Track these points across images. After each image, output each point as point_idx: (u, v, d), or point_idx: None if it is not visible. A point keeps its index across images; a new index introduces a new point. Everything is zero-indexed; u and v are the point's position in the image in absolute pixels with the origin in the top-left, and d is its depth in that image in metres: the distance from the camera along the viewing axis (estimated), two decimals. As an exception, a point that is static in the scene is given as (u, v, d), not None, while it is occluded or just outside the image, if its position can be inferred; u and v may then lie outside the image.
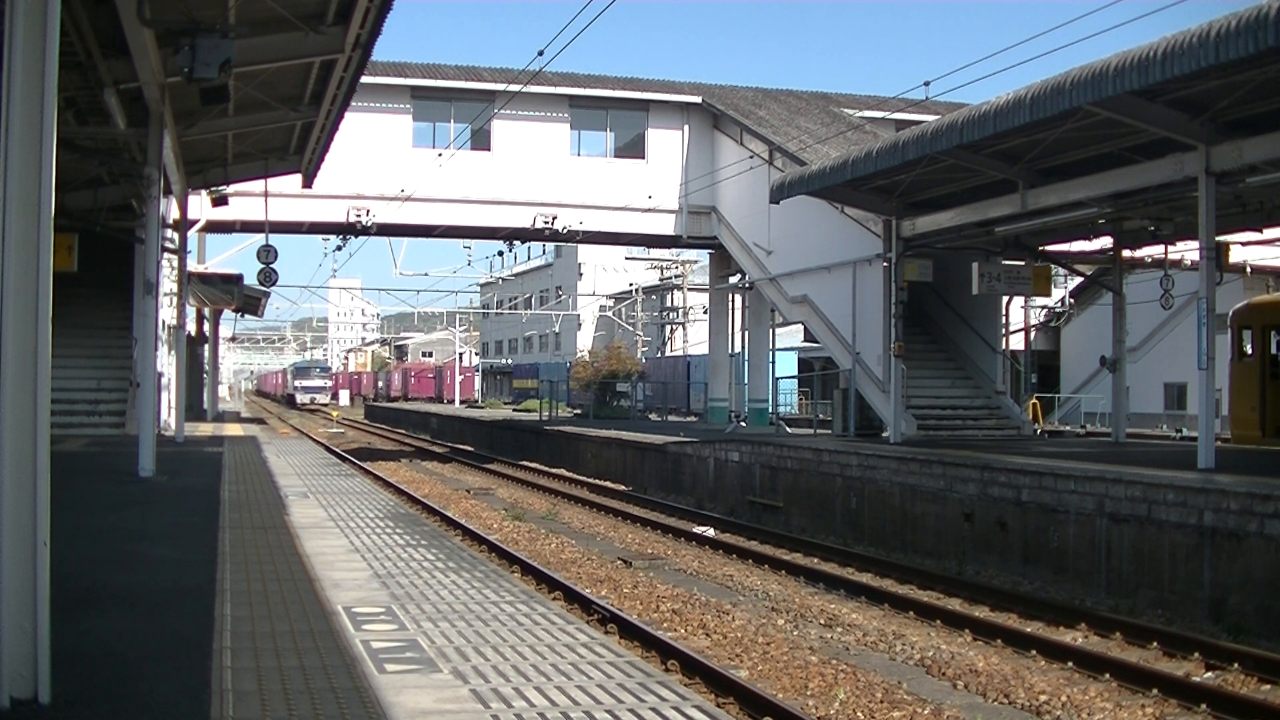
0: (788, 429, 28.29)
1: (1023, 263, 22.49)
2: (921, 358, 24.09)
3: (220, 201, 26.28)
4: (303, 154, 23.29)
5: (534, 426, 36.46)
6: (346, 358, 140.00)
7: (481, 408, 61.27)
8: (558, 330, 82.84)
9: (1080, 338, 42.27)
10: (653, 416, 42.44)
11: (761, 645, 10.70)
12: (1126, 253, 23.05)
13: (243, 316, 56.28)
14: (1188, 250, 22.69)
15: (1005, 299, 24.79)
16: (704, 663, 9.50)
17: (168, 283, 25.23)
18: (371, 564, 8.72)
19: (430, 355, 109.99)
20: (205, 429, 28.91)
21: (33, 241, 4.74)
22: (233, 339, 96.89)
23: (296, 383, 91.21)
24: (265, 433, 31.04)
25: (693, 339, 61.21)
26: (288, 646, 5.98)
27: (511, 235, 34.01)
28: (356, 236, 31.64)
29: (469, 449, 40.11)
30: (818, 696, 9.06)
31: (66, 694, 4.86)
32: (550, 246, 78.62)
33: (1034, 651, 10.69)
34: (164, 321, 25.69)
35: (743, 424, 29.43)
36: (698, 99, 31.34)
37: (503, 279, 78.88)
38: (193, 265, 28.71)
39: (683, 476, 24.78)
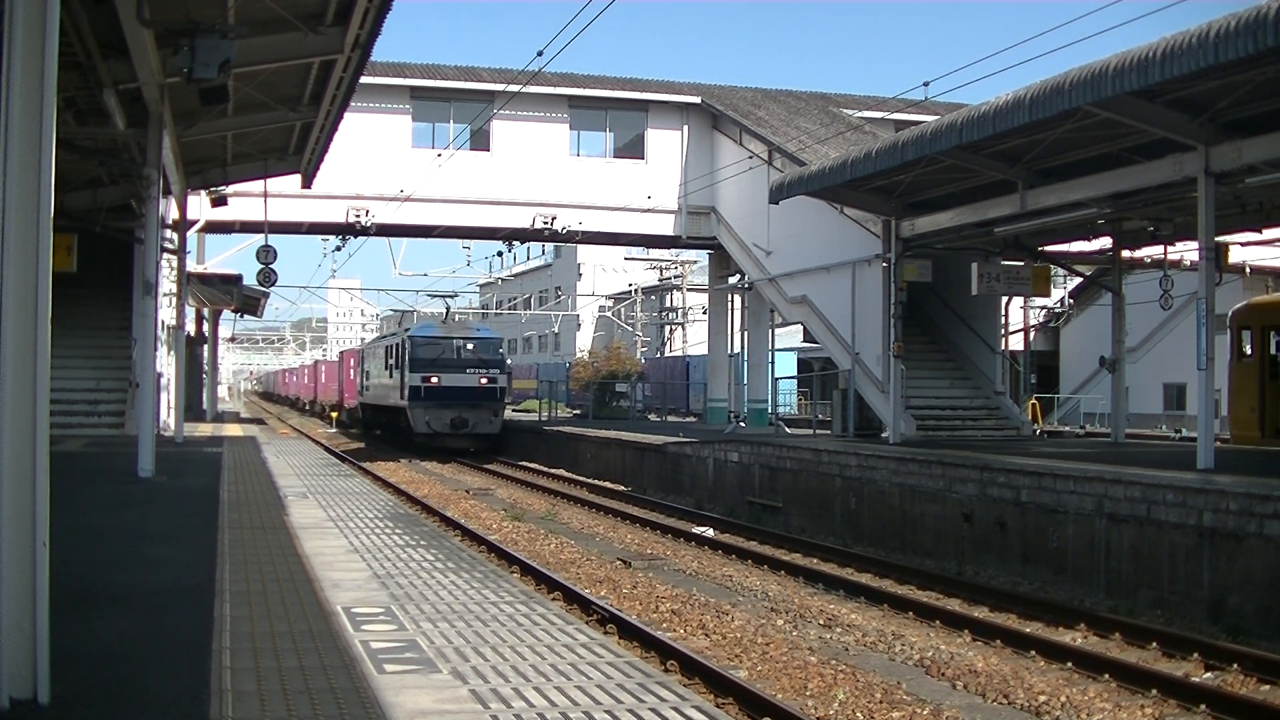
0: (787, 429, 28.29)
1: (1022, 263, 22.50)
2: (921, 358, 24.09)
3: (220, 202, 26.30)
4: (302, 154, 23.29)
5: (533, 427, 36.45)
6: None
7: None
8: (557, 330, 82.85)
9: (1080, 338, 42.30)
10: (652, 417, 42.43)
11: (761, 645, 10.69)
12: (1126, 253, 23.06)
13: (242, 317, 56.29)
14: (1187, 250, 22.69)
15: (1004, 299, 24.79)
16: (703, 663, 9.49)
17: (167, 283, 25.22)
18: (371, 564, 8.72)
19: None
20: (205, 429, 28.91)
21: (32, 241, 4.75)
22: (232, 339, 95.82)
23: (423, 378, 35.34)
24: (264, 433, 31.06)
25: (692, 339, 61.22)
26: (287, 647, 5.98)
27: (511, 235, 34.07)
28: (356, 237, 31.68)
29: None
30: (817, 697, 9.06)
31: (66, 694, 4.87)
32: (549, 247, 78.66)
33: (1033, 652, 10.69)
34: (163, 322, 25.69)
35: (742, 424, 29.42)
36: (697, 99, 31.36)
37: (502, 279, 78.86)
38: (192, 265, 28.71)
39: (682, 477, 24.78)
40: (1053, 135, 16.43)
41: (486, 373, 35.99)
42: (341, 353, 60.84)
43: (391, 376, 38.19)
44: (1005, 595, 13.34)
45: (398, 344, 37.78)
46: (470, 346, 36.55)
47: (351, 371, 50.19)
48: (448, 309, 42.53)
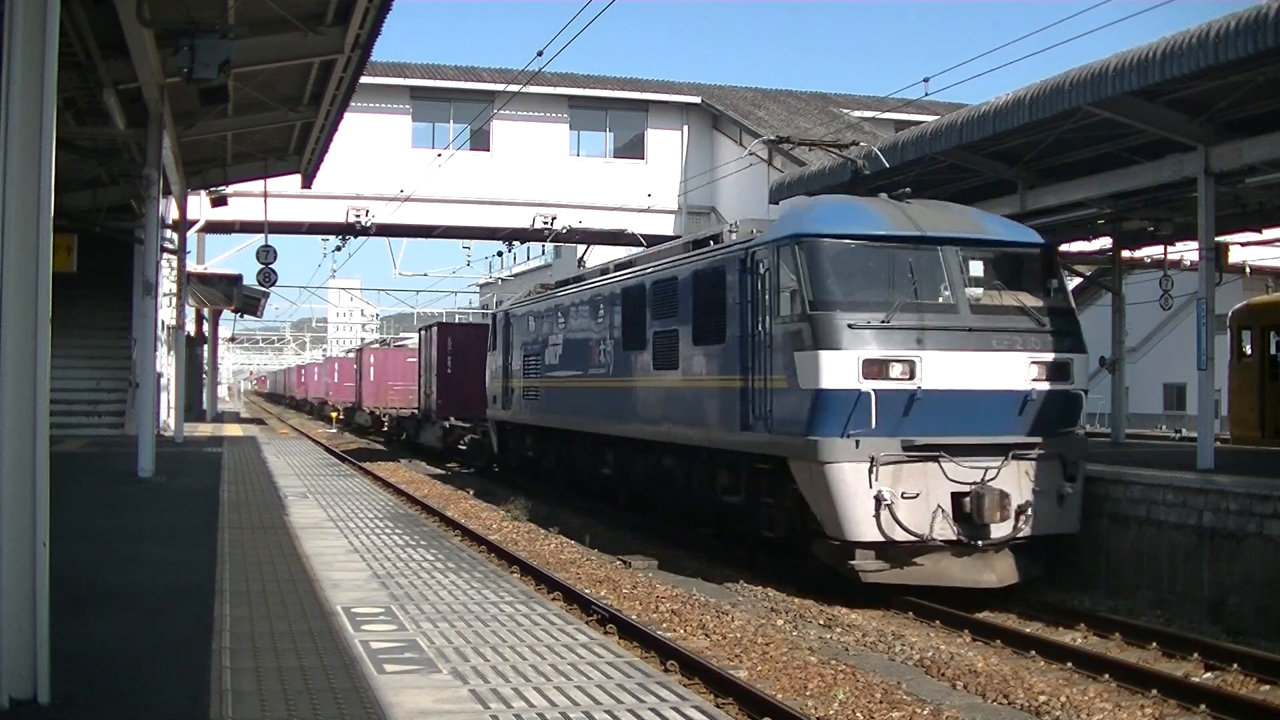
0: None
1: (1022, 263, 22.45)
2: (921, 358, 23.97)
3: (220, 202, 26.33)
4: (302, 154, 23.31)
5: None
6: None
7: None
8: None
9: (1079, 338, 42.20)
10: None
11: (761, 646, 10.68)
12: (1126, 253, 23.02)
13: (242, 317, 56.36)
14: (1187, 251, 22.67)
15: (1004, 299, 24.69)
16: (703, 663, 9.48)
17: (167, 283, 25.25)
18: (371, 564, 8.72)
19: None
20: (204, 429, 28.92)
21: (32, 241, 4.75)
22: (232, 339, 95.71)
23: (869, 366, 11.51)
24: (264, 433, 31.06)
25: (692, 339, 60.97)
26: (287, 647, 5.98)
27: (511, 236, 34.08)
28: (356, 237, 31.70)
29: (468, 449, 39.93)
30: (817, 697, 9.05)
31: (66, 694, 4.87)
32: (550, 247, 78.52)
33: (1033, 652, 10.68)
34: (163, 322, 25.71)
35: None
36: (697, 99, 31.37)
37: (502, 279, 78.73)
38: (192, 265, 28.72)
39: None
40: (1053, 135, 16.42)
41: (1044, 348, 12.75)
42: (437, 325, 32.48)
43: (685, 362, 15.35)
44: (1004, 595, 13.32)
45: (738, 260, 13.65)
46: (981, 271, 13.05)
47: (450, 363, 29.75)
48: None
